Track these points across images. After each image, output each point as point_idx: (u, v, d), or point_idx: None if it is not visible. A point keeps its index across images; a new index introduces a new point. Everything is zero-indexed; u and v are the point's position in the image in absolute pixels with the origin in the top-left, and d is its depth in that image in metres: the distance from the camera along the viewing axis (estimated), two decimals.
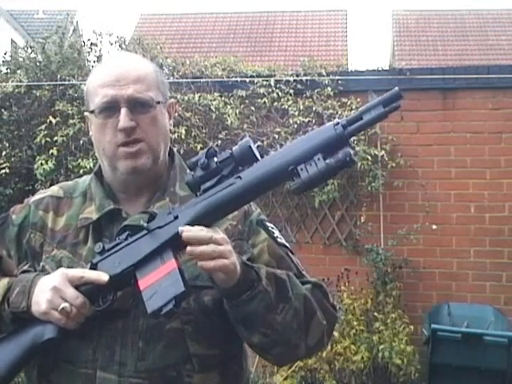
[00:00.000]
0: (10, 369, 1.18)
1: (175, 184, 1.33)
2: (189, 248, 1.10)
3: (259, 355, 1.30)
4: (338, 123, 1.10)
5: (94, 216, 1.29)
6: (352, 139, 4.35)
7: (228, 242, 1.15)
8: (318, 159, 1.08)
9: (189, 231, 1.12)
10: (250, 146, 1.14)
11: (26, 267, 1.29)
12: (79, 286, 1.16)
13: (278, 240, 1.35)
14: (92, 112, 1.28)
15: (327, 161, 1.08)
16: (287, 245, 1.37)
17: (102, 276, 1.16)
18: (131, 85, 1.26)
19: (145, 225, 1.18)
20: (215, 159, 1.15)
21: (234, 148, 1.15)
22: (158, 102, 1.29)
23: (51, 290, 1.15)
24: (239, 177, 1.13)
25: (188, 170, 1.21)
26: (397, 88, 1.08)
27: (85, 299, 1.15)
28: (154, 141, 1.28)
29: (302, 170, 1.09)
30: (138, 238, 1.18)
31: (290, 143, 1.14)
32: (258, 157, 1.14)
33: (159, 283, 1.11)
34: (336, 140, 1.09)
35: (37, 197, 1.39)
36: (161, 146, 1.30)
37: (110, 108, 1.25)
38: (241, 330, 1.21)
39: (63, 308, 1.13)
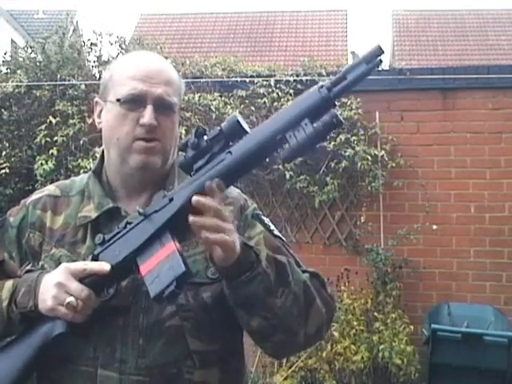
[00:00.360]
0: (25, 369, 1.19)
1: (174, 182, 1.33)
2: (196, 218, 1.08)
3: (259, 344, 1.28)
4: (322, 86, 1.09)
5: (93, 214, 1.30)
6: (353, 141, 4.28)
7: (230, 220, 1.14)
8: (306, 124, 1.07)
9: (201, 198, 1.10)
10: (237, 121, 1.13)
11: (29, 267, 1.29)
12: (83, 278, 1.16)
13: (274, 232, 1.35)
14: (118, 100, 1.27)
15: (314, 125, 1.07)
16: (283, 238, 1.37)
17: (103, 266, 1.16)
18: (162, 85, 1.27)
19: (141, 210, 1.17)
20: (205, 138, 1.15)
21: (222, 124, 1.15)
22: (182, 109, 1.31)
23: (55, 286, 1.16)
24: (230, 152, 1.12)
25: (180, 152, 1.21)
26: (378, 43, 1.07)
27: (90, 291, 1.16)
28: (168, 144, 1.29)
29: (290, 137, 1.07)
30: (135, 224, 1.18)
31: (277, 112, 1.13)
32: (248, 130, 1.14)
33: (160, 266, 1.11)
34: (322, 103, 1.08)
35: (34, 197, 1.39)
36: (172, 150, 1.32)
37: (137, 101, 1.26)
38: (240, 314, 1.20)
39: (69, 302, 1.13)
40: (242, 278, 1.14)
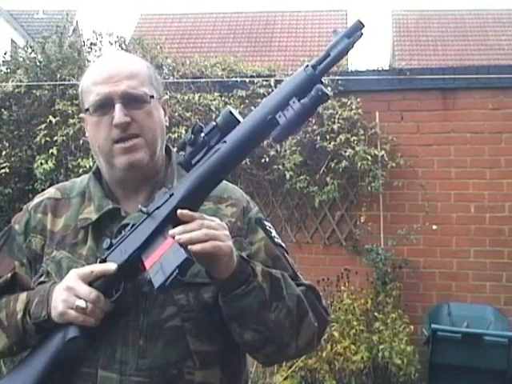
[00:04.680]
0: (41, 378, 1.20)
1: (173, 181, 1.32)
2: (177, 237, 1.10)
3: (249, 354, 1.31)
4: (307, 65, 1.10)
5: (94, 216, 1.30)
6: (353, 141, 4.27)
7: (225, 227, 1.15)
8: (294, 102, 1.09)
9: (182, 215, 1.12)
10: (230, 112, 1.15)
11: (41, 279, 1.30)
12: (92, 281, 1.17)
13: (275, 240, 1.35)
14: (87, 110, 1.29)
15: (302, 101, 1.09)
16: (283, 245, 1.37)
17: (109, 266, 1.17)
18: (124, 81, 1.27)
19: (144, 209, 1.18)
20: (202, 134, 1.17)
21: (217, 118, 1.17)
22: (152, 97, 1.30)
23: (65, 290, 1.17)
24: (224, 141, 1.14)
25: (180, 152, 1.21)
26: (358, 19, 1.09)
27: (98, 293, 1.17)
28: (150, 135, 1.28)
29: (280, 116, 1.10)
30: (139, 223, 1.19)
31: (267, 97, 1.15)
32: (241, 119, 1.15)
33: (163, 258, 1.11)
34: (307, 81, 1.10)
35: (35, 201, 1.40)
36: (157, 141, 1.31)
37: (105, 105, 1.26)
38: (234, 326, 1.22)
39: (78, 305, 1.15)
40: (238, 291, 1.16)
